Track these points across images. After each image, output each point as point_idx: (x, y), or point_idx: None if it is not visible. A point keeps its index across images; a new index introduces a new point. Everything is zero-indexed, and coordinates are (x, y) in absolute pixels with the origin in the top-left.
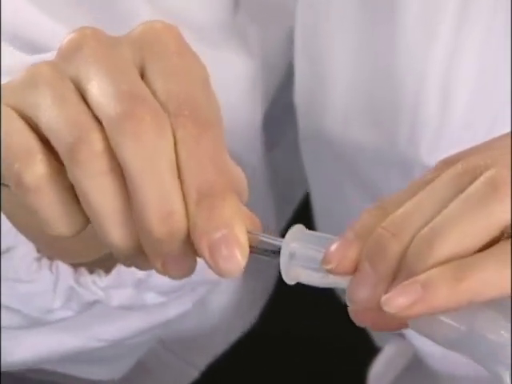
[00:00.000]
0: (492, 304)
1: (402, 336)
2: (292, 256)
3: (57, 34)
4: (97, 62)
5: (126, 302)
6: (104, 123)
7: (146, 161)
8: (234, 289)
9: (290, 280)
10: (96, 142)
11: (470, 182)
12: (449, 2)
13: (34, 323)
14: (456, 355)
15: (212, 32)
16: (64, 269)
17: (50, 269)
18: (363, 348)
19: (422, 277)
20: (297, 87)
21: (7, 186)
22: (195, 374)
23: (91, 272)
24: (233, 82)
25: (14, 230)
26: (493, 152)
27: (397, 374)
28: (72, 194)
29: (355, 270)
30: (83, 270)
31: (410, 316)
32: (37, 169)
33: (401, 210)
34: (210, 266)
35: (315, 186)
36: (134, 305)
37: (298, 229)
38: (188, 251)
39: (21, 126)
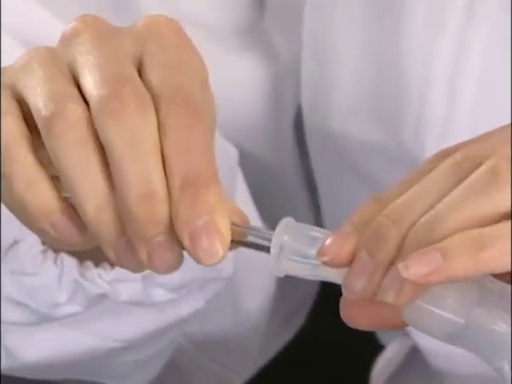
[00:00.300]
0: (489, 295)
1: (406, 334)
2: (282, 249)
3: None
4: (92, 48)
5: (133, 297)
6: (90, 104)
7: (127, 141)
8: (270, 293)
9: (279, 273)
10: (71, 113)
11: (470, 170)
12: (456, 1)
13: (43, 319)
14: (461, 354)
15: (229, 36)
16: (69, 262)
17: (55, 262)
18: (368, 348)
19: (441, 245)
20: (303, 87)
21: None
22: (237, 381)
23: (97, 265)
24: (251, 84)
25: (17, 222)
26: (491, 142)
27: (397, 372)
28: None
29: (351, 262)
30: (89, 264)
31: (426, 283)
32: (9, 127)
33: (401, 198)
34: (190, 254)
35: (322, 184)
36: (143, 301)
37: (287, 222)
38: (172, 241)
39: (5, 94)
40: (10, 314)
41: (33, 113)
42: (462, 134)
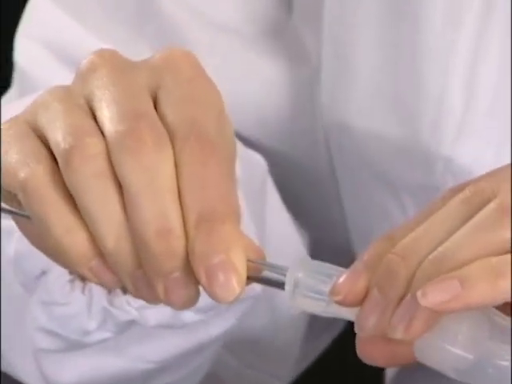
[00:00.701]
0: (495, 328)
1: None
2: (296, 286)
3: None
4: (110, 83)
5: (162, 321)
6: (107, 140)
7: (144, 178)
8: None
9: (294, 309)
10: (89, 147)
11: (479, 206)
12: None
13: (74, 345)
14: None
15: (256, 37)
16: (97, 290)
17: (83, 291)
18: None
19: (459, 273)
20: (323, 83)
21: (27, 217)
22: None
23: (125, 292)
24: (282, 88)
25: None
26: (499, 177)
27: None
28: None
29: (363, 301)
30: (117, 291)
31: (444, 311)
32: (42, 175)
33: (411, 235)
34: (205, 291)
35: (342, 180)
36: (173, 324)
37: (302, 258)
38: (189, 277)
39: (29, 135)
40: (42, 342)
41: (51, 147)
42: (480, 127)
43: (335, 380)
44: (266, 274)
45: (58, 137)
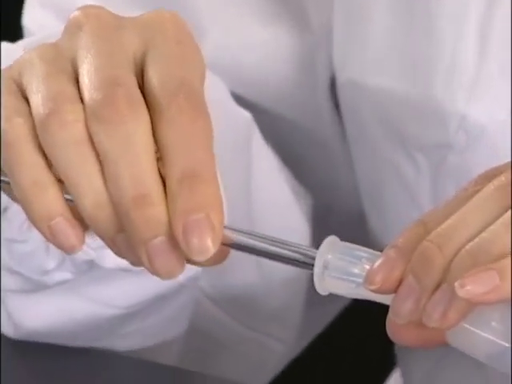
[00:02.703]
0: None
1: None
2: (325, 267)
3: None
4: (93, 44)
5: (121, 263)
6: (85, 106)
7: (120, 146)
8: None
9: (322, 291)
10: (67, 114)
11: None
12: None
13: (36, 286)
14: None
15: (261, 7)
16: None
17: None
18: None
19: (498, 265)
20: (335, 42)
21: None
22: (281, 348)
23: (84, 231)
24: (285, 56)
25: None
26: None
27: None
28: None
29: (397, 288)
30: None
31: (481, 302)
32: (19, 127)
33: (447, 222)
34: (181, 246)
35: (354, 142)
36: (131, 267)
37: (332, 240)
38: (171, 243)
39: (12, 91)
40: (7, 281)
41: (32, 109)
42: (493, 83)
43: (350, 346)
44: (292, 255)
45: (39, 100)
